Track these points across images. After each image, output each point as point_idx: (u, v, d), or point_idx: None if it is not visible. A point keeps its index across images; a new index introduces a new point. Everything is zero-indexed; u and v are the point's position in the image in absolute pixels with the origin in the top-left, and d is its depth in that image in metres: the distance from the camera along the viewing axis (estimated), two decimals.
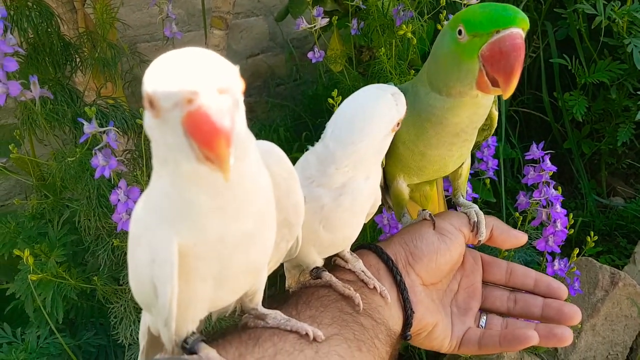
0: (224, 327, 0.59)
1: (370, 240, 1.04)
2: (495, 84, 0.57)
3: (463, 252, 0.73)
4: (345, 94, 1.13)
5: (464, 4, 1.10)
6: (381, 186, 0.72)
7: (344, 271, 0.67)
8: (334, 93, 0.97)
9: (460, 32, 0.57)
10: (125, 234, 0.87)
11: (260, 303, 0.56)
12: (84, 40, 1.10)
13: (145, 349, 0.59)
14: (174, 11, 1.16)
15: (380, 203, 0.67)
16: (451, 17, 1.06)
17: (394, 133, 0.61)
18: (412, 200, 0.80)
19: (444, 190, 0.88)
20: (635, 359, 1.22)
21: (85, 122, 0.81)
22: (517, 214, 0.98)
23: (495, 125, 0.73)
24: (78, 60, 1.08)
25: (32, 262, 0.86)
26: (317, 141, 0.62)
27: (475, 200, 0.87)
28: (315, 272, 0.65)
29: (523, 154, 1.54)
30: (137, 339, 0.94)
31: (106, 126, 0.82)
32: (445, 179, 0.83)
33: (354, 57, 1.37)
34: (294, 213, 0.54)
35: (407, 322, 0.66)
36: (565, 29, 1.57)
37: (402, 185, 0.75)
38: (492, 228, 0.74)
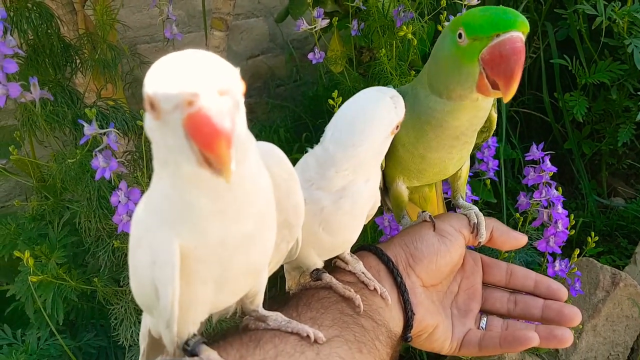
0: (225, 329, 0.59)
1: (370, 241, 1.04)
2: (495, 87, 0.57)
3: (463, 254, 0.73)
4: (345, 95, 1.13)
5: (465, 5, 1.10)
6: (380, 188, 0.72)
7: (344, 273, 0.67)
8: (335, 94, 0.97)
9: (460, 36, 0.57)
10: (125, 235, 0.86)
11: (261, 305, 0.56)
12: (84, 42, 1.10)
13: (146, 352, 0.59)
14: (174, 12, 1.16)
15: (379, 205, 0.66)
16: (452, 18, 1.08)
17: (393, 136, 0.61)
18: (411, 202, 0.80)
19: (443, 192, 0.88)
20: None
21: (85, 124, 0.81)
22: (517, 214, 0.98)
23: (494, 127, 0.73)
24: (78, 61, 1.08)
25: (32, 264, 0.86)
26: (317, 142, 0.62)
27: (475, 202, 0.87)
28: (316, 274, 0.65)
29: (524, 155, 1.54)
30: (138, 340, 0.94)
31: (106, 128, 0.82)
32: (444, 181, 0.83)
33: (354, 58, 1.37)
34: (294, 214, 0.54)
35: (407, 324, 0.66)
36: (566, 30, 1.57)
37: (402, 188, 0.75)
38: (492, 229, 0.74)
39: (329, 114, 0.70)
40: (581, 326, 1.17)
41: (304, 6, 1.48)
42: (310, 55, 1.24)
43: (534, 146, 0.96)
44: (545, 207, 0.93)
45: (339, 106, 0.95)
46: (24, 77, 0.90)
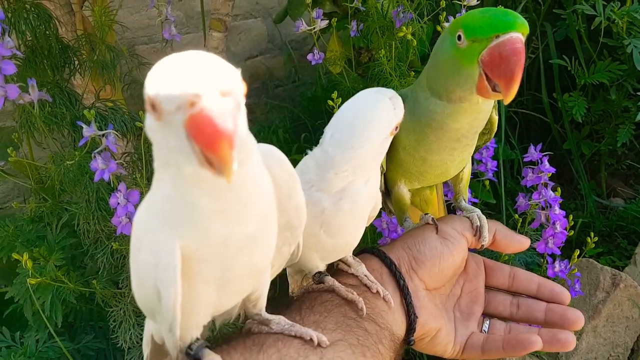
0: (228, 333, 0.59)
1: (370, 243, 1.04)
2: (495, 89, 0.56)
3: (466, 257, 0.73)
4: (344, 95, 1.13)
5: (464, 5, 1.10)
6: (382, 191, 0.72)
7: (346, 275, 0.66)
8: (334, 95, 0.96)
9: (459, 38, 0.57)
10: (124, 237, 0.86)
11: (264, 308, 0.56)
12: (82, 43, 1.09)
13: (149, 358, 0.58)
14: (173, 13, 1.16)
15: (380, 207, 0.66)
16: (451, 18, 1.08)
17: (392, 136, 0.61)
18: (412, 205, 0.80)
19: (444, 195, 0.88)
20: None
21: (84, 125, 0.81)
22: (516, 215, 0.97)
23: (496, 129, 0.72)
24: (76, 62, 1.08)
25: (30, 266, 0.85)
26: (316, 143, 0.62)
27: (474, 204, 0.87)
28: (318, 277, 0.64)
29: (523, 155, 1.54)
30: (136, 342, 0.94)
31: (105, 129, 0.82)
32: (445, 183, 0.83)
33: (353, 58, 1.37)
34: (295, 215, 0.54)
35: (410, 327, 0.66)
36: (565, 30, 1.57)
37: (404, 190, 0.74)
38: (495, 232, 0.73)
39: (328, 114, 0.70)
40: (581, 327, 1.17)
41: (302, 7, 1.47)
42: (309, 56, 1.24)
43: (532, 147, 0.96)
44: (544, 209, 0.93)
45: (339, 107, 0.95)
46: (22, 78, 0.90)
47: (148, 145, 0.89)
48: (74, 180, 0.93)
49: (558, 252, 0.93)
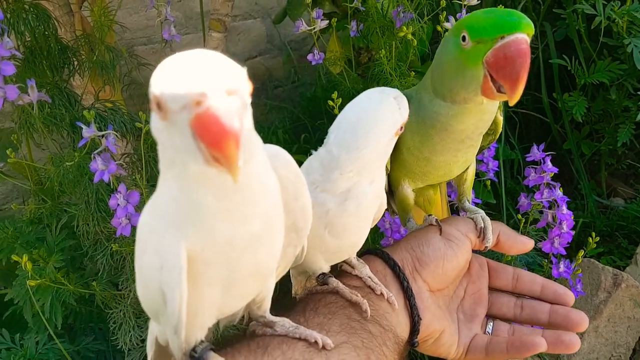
0: (232, 335, 0.59)
1: (372, 243, 1.04)
2: (500, 89, 0.56)
3: (470, 258, 0.73)
4: (344, 95, 1.13)
5: (464, 5, 1.09)
6: (385, 191, 0.71)
7: (350, 277, 0.66)
8: (334, 95, 0.96)
9: (464, 39, 0.57)
10: (124, 238, 0.86)
11: (269, 310, 0.56)
12: (81, 43, 1.09)
13: None
14: (172, 14, 1.15)
15: (385, 207, 0.66)
16: (451, 18, 1.08)
17: (397, 137, 0.60)
18: (416, 205, 0.79)
19: (447, 195, 0.87)
20: None
21: (83, 126, 0.80)
22: (519, 216, 0.97)
23: (500, 130, 0.72)
24: (76, 63, 1.08)
25: (30, 268, 0.85)
26: (316, 143, 0.61)
27: (477, 204, 0.87)
28: (322, 278, 0.64)
29: (523, 155, 1.54)
30: (137, 344, 0.94)
31: (105, 130, 0.81)
32: (449, 183, 0.83)
33: (353, 59, 1.37)
34: (301, 216, 0.53)
35: (414, 329, 0.66)
36: (564, 30, 1.56)
37: (407, 191, 0.74)
38: (499, 234, 0.73)
39: (328, 115, 0.69)
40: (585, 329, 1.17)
41: (302, 7, 1.47)
42: (309, 56, 1.24)
43: (535, 147, 0.96)
44: (549, 208, 0.93)
45: (339, 107, 0.95)
46: (21, 79, 0.90)
47: (148, 146, 0.89)
48: (74, 182, 0.92)
49: (564, 252, 0.92)
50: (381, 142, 0.58)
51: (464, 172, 0.75)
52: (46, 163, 1.03)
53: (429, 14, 1.19)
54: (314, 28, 1.18)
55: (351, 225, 0.61)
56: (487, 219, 0.73)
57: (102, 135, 0.81)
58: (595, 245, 0.97)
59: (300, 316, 0.59)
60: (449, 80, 0.61)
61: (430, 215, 0.73)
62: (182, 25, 1.90)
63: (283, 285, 0.72)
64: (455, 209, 0.89)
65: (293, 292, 0.71)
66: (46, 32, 1.02)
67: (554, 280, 0.78)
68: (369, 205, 0.61)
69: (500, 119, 0.70)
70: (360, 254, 0.69)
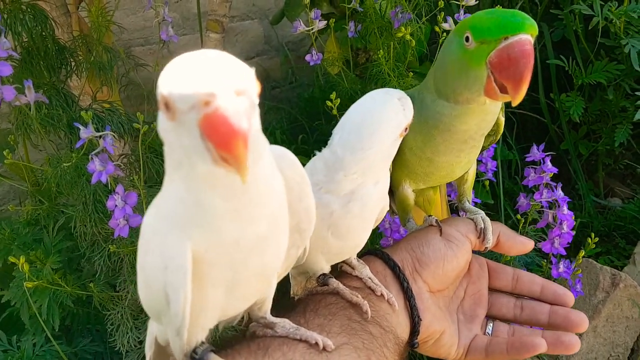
0: (231, 336, 0.58)
1: (370, 244, 1.04)
2: (503, 90, 0.56)
3: (470, 259, 0.73)
4: (342, 96, 1.12)
5: (462, 6, 1.09)
6: None
7: (350, 278, 0.66)
8: (332, 96, 0.96)
9: (467, 39, 0.56)
10: (122, 239, 0.85)
11: (269, 311, 0.56)
12: (79, 44, 1.08)
13: None
14: (169, 15, 1.15)
15: (388, 208, 0.66)
16: (449, 19, 1.08)
17: (402, 138, 0.60)
18: (415, 205, 0.79)
19: (447, 195, 0.87)
20: None
21: (81, 127, 0.80)
22: (518, 216, 0.97)
23: (502, 131, 0.72)
24: (73, 64, 1.07)
25: (27, 269, 0.85)
26: (314, 144, 0.61)
27: (476, 204, 0.87)
28: (322, 279, 0.64)
29: (520, 156, 1.54)
30: (134, 345, 0.93)
31: (102, 131, 0.81)
32: (449, 184, 0.82)
33: (351, 59, 1.37)
34: (305, 217, 0.53)
35: (414, 330, 0.65)
36: (562, 30, 1.57)
37: (408, 191, 0.74)
38: (499, 234, 0.73)
39: (326, 115, 0.69)
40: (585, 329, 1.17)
41: (299, 8, 1.47)
42: (307, 57, 1.23)
43: (535, 147, 0.96)
44: (549, 208, 0.93)
45: (337, 108, 0.95)
46: (18, 80, 0.89)
47: (145, 146, 0.89)
48: (71, 183, 0.92)
49: (564, 252, 0.92)
50: (385, 143, 0.58)
51: (465, 172, 0.75)
52: (43, 164, 1.02)
53: (427, 15, 1.19)
54: (312, 28, 1.18)
55: (355, 227, 0.60)
56: (487, 219, 0.73)
57: (100, 136, 0.80)
58: (594, 246, 0.96)
59: (300, 317, 0.58)
60: (452, 80, 0.60)
61: (430, 215, 0.73)
62: (180, 26, 1.89)
63: (282, 286, 0.72)
64: (454, 209, 0.89)
65: (292, 292, 0.70)
66: (43, 33, 1.01)
67: (554, 281, 0.78)
68: (373, 207, 0.61)
69: (502, 119, 0.70)
70: (360, 254, 0.69)
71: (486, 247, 0.72)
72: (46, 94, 0.94)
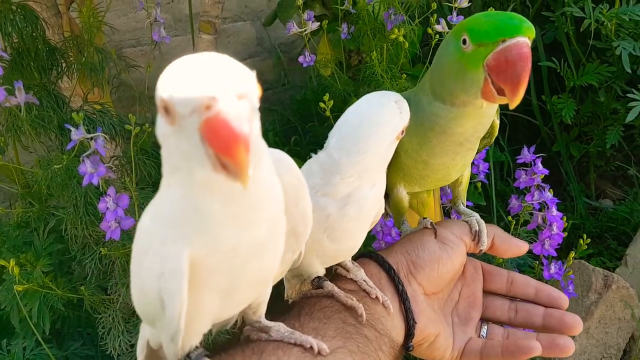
0: (225, 341, 0.58)
1: (363, 247, 1.03)
2: (501, 93, 0.56)
3: (464, 261, 0.72)
4: (335, 98, 1.12)
5: (455, 8, 1.10)
6: None
7: (345, 280, 0.66)
8: (326, 97, 0.96)
9: (464, 42, 0.56)
10: (113, 242, 0.85)
11: (264, 315, 0.55)
12: (70, 45, 1.08)
13: None
14: (161, 16, 1.14)
15: (383, 211, 0.65)
16: (442, 21, 1.08)
17: (398, 140, 0.60)
18: (409, 208, 0.79)
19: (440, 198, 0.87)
20: None
21: (72, 128, 0.79)
22: (510, 217, 0.97)
23: (496, 133, 0.72)
24: (64, 65, 1.07)
25: (17, 272, 0.84)
26: (307, 146, 0.61)
27: (469, 206, 0.87)
28: (317, 282, 0.63)
29: (512, 158, 1.54)
30: (126, 349, 0.93)
31: (93, 132, 0.80)
32: (442, 187, 0.82)
33: (344, 61, 1.37)
34: (302, 221, 0.53)
35: (409, 333, 0.65)
36: (553, 32, 1.57)
37: (402, 193, 0.74)
38: (494, 237, 0.73)
39: (319, 117, 0.69)
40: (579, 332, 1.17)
41: (292, 10, 1.47)
42: (300, 59, 1.23)
43: (525, 149, 0.96)
44: (539, 210, 0.93)
45: (330, 110, 0.95)
46: (8, 81, 0.89)
47: (137, 148, 0.88)
48: (62, 185, 0.91)
49: (554, 253, 0.92)
50: (382, 146, 0.58)
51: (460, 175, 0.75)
52: (34, 166, 1.01)
53: (419, 17, 1.19)
54: (305, 30, 1.18)
55: (351, 230, 0.60)
56: (482, 222, 0.73)
57: (91, 138, 0.80)
58: (586, 247, 0.97)
59: (295, 321, 0.58)
60: (449, 83, 0.60)
61: (425, 218, 0.73)
62: (171, 28, 1.89)
63: (275, 288, 0.72)
64: (447, 212, 0.89)
65: (286, 295, 0.70)
66: (34, 34, 1.01)
67: (546, 282, 0.78)
68: (369, 209, 0.60)
69: (497, 122, 0.70)
70: (355, 257, 0.69)
71: (481, 250, 0.72)
72: (37, 95, 0.94)
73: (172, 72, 0.36)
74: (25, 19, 0.98)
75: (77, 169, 0.81)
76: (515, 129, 1.70)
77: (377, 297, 0.64)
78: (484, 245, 0.71)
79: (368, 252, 0.71)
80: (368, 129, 0.57)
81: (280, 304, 0.66)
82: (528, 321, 0.72)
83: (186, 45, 1.80)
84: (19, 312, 0.97)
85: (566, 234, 0.94)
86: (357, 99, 0.62)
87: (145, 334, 0.55)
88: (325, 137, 0.60)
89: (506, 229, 0.94)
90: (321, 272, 0.63)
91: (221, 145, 0.35)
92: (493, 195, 1.36)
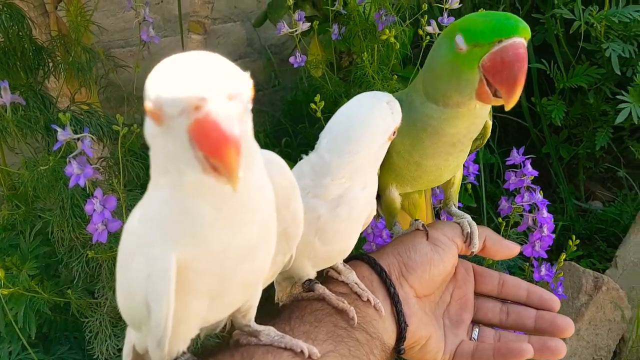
0: (214, 345, 0.57)
1: (355, 249, 1.03)
2: (496, 94, 0.55)
3: (456, 263, 0.72)
4: (326, 99, 1.12)
5: (445, 9, 1.09)
6: None
7: (336, 283, 0.65)
8: (317, 98, 0.95)
9: (459, 42, 0.56)
10: (100, 245, 0.84)
11: (254, 319, 0.54)
12: (57, 44, 1.06)
13: None
14: (150, 16, 1.13)
15: (375, 212, 0.65)
16: (432, 22, 1.07)
17: (390, 141, 0.59)
18: (400, 209, 0.79)
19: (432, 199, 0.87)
20: None
21: (59, 129, 0.78)
22: (500, 219, 0.97)
23: (489, 134, 0.71)
24: (51, 64, 1.05)
25: (3, 276, 0.83)
26: (298, 147, 0.60)
27: (460, 208, 0.86)
28: (308, 285, 0.63)
29: (502, 159, 1.54)
30: (113, 353, 0.92)
31: (80, 133, 0.79)
32: (433, 189, 0.82)
33: (335, 62, 1.36)
34: (293, 223, 0.52)
35: (401, 336, 0.64)
36: (543, 34, 1.58)
37: (394, 194, 0.73)
38: (485, 239, 0.72)
39: (309, 118, 0.69)
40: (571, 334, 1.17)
41: (282, 10, 1.46)
42: (291, 59, 1.23)
43: (515, 150, 0.96)
44: (529, 212, 0.93)
45: (321, 111, 0.94)
46: None
47: (125, 149, 0.87)
48: (48, 187, 0.90)
49: (545, 255, 0.92)
50: (373, 147, 0.57)
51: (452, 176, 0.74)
52: (20, 167, 1.00)
53: (410, 18, 1.19)
54: (296, 30, 1.17)
55: (342, 231, 0.59)
56: (474, 223, 0.72)
57: (78, 139, 0.78)
58: (575, 248, 0.97)
59: (285, 324, 0.57)
60: (443, 83, 0.59)
61: (416, 219, 0.72)
62: (160, 28, 1.88)
63: (265, 291, 0.71)
64: (436, 213, 0.88)
65: (276, 298, 0.69)
66: (20, 33, 0.99)
67: (536, 284, 0.78)
68: (360, 211, 0.60)
69: (490, 123, 0.69)
70: (347, 259, 0.68)
71: (472, 252, 0.72)
72: (23, 95, 0.92)
73: (161, 72, 0.35)
74: (11, 18, 0.97)
75: (63, 171, 0.80)
76: (505, 131, 1.71)
77: (368, 300, 0.63)
78: (476, 247, 0.71)
79: (359, 255, 0.70)
80: (359, 130, 0.56)
81: (270, 308, 0.65)
82: (519, 323, 0.71)
83: (175, 46, 1.79)
84: (5, 316, 0.96)
85: (555, 235, 0.94)
86: (348, 100, 0.62)
87: (132, 339, 0.54)
88: (316, 139, 0.60)
89: (496, 230, 0.93)
90: (312, 274, 0.63)
91: (210, 148, 0.34)
92: (483, 197, 1.36)
